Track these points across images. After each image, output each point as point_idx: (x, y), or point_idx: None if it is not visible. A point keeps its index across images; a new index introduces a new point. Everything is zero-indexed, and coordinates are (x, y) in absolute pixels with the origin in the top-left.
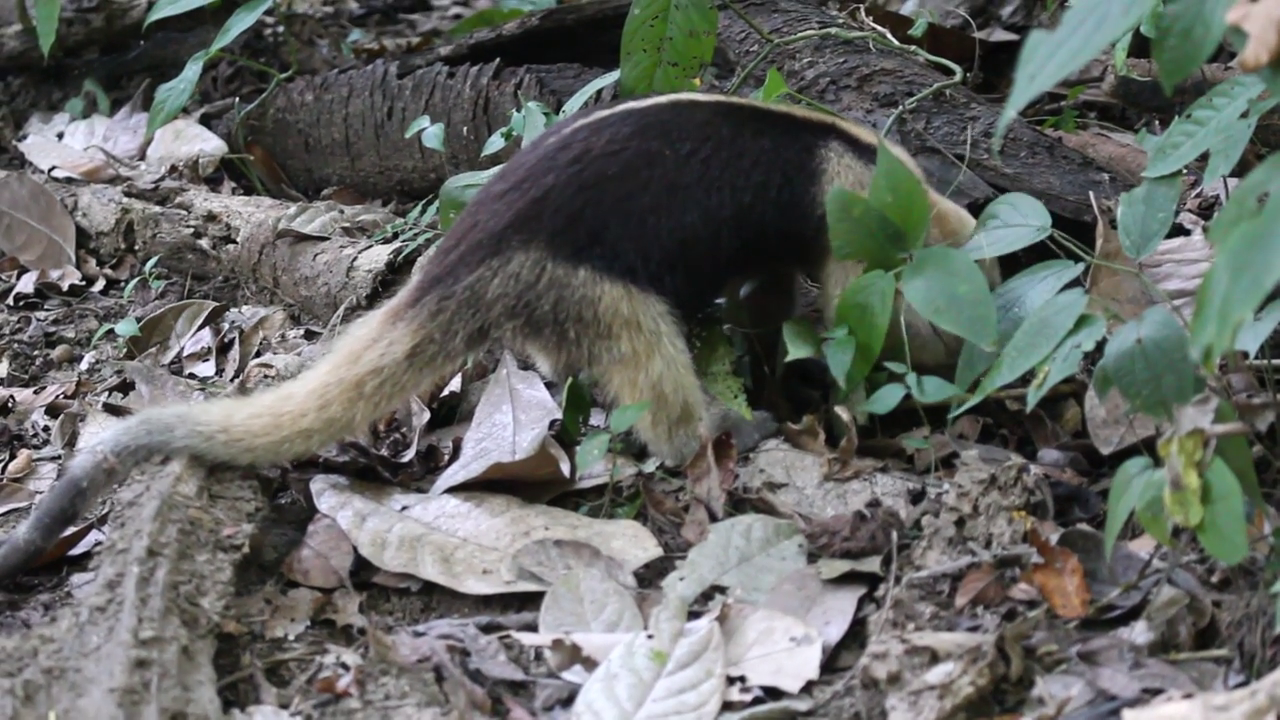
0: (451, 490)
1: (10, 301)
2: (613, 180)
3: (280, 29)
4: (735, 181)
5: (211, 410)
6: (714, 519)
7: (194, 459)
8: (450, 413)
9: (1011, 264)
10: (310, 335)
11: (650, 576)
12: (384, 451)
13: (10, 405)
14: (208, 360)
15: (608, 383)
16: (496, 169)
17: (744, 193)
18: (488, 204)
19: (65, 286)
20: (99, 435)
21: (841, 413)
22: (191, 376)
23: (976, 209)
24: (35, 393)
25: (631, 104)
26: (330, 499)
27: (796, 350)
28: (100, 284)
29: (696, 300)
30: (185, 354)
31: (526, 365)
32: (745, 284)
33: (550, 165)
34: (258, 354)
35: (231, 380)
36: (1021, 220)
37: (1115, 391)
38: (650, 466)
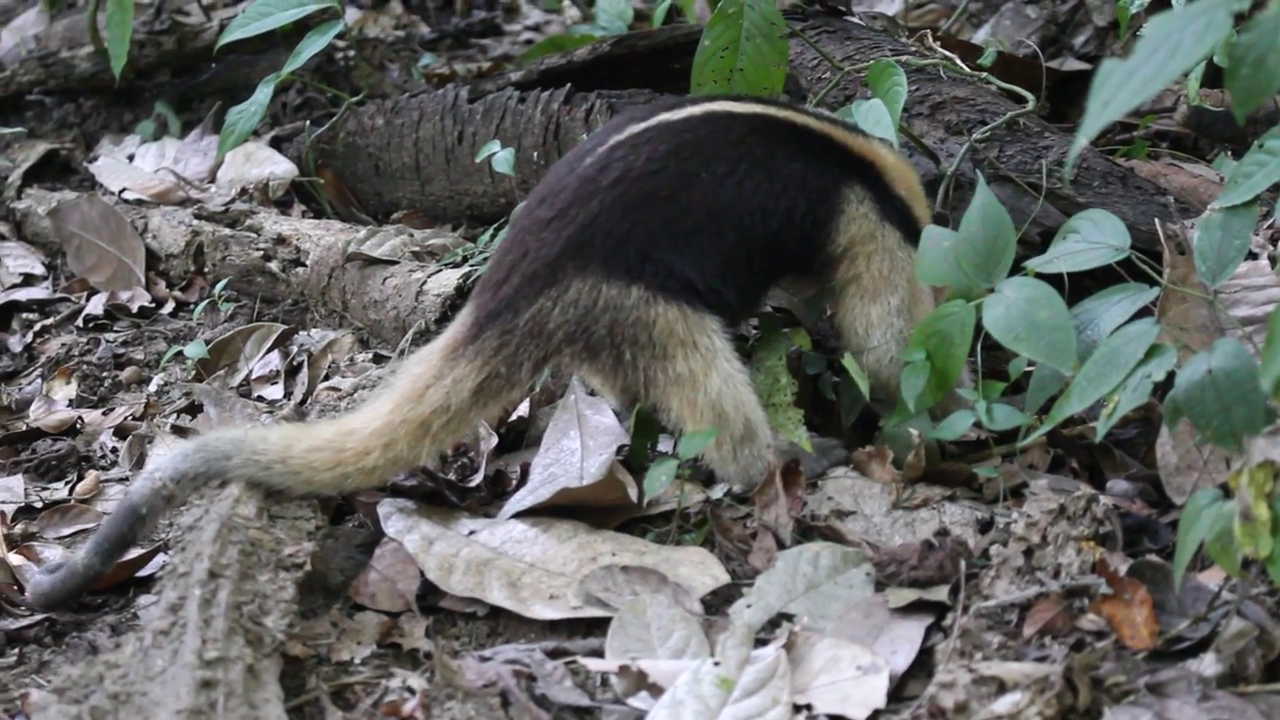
0: (519, 515)
1: (80, 323)
2: (656, 202)
3: (351, 53)
4: (766, 205)
5: (270, 439)
6: (782, 546)
7: (252, 484)
8: (518, 438)
9: (1076, 287)
10: (379, 359)
11: (717, 603)
12: (451, 476)
13: (79, 426)
14: (276, 383)
15: (666, 406)
16: (534, 191)
17: (773, 218)
18: (535, 232)
19: (134, 308)
20: (157, 461)
21: (912, 432)
22: (260, 399)
23: (1050, 237)
24: (104, 414)
25: (665, 116)
26: (397, 523)
27: (863, 385)
28: (169, 306)
29: (746, 310)
30: (254, 377)
31: (594, 391)
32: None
33: (593, 189)
34: (326, 377)
35: (300, 404)
36: (1101, 239)
37: (1187, 433)
38: (718, 493)
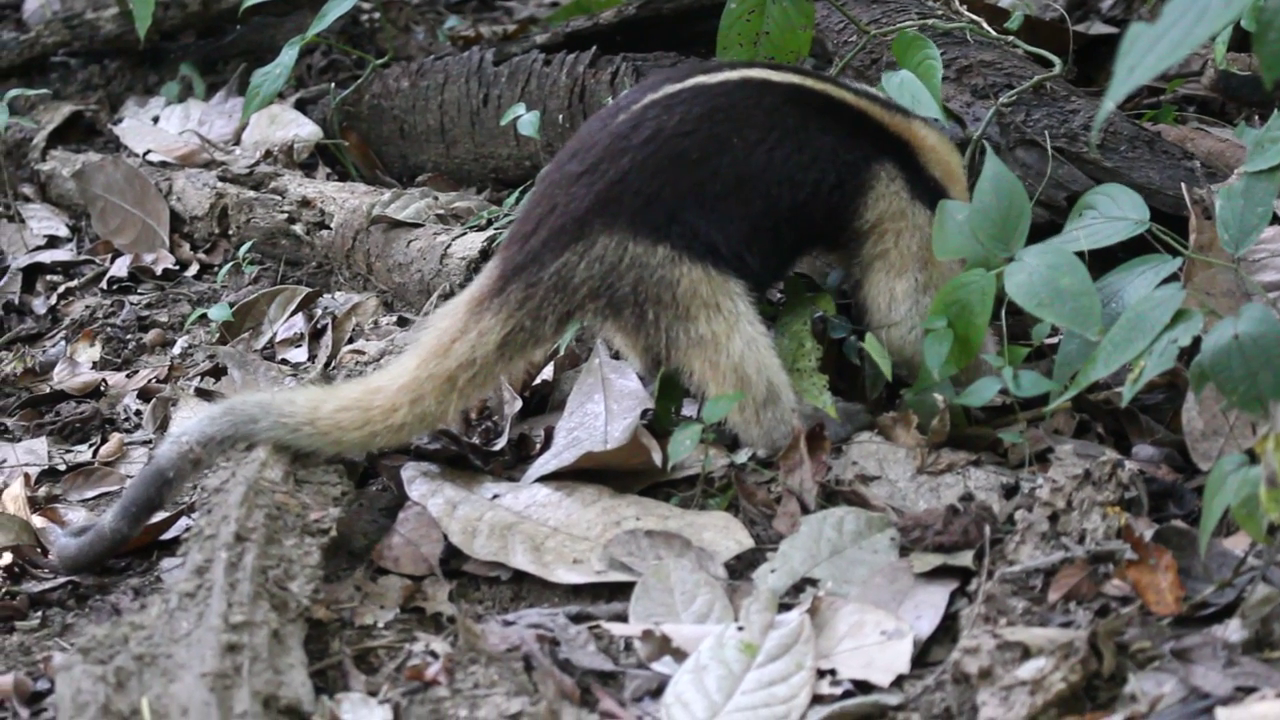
0: (543, 479)
1: (104, 285)
2: (687, 164)
3: (377, 15)
4: (795, 176)
5: (297, 400)
6: (806, 511)
7: (279, 447)
8: (542, 401)
9: (1106, 256)
10: (403, 322)
11: (741, 568)
12: (475, 440)
13: (103, 389)
14: (300, 346)
15: (688, 368)
16: (566, 146)
17: (801, 189)
18: (564, 186)
19: (159, 271)
20: (184, 425)
21: (938, 398)
22: (284, 362)
23: (1076, 201)
24: (128, 377)
25: (701, 79)
26: (421, 486)
27: (885, 365)
28: (194, 269)
29: (772, 277)
30: (278, 340)
31: (618, 354)
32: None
33: (625, 146)
34: (350, 340)
35: (324, 367)
36: (1119, 213)
37: (1213, 399)
38: (742, 458)
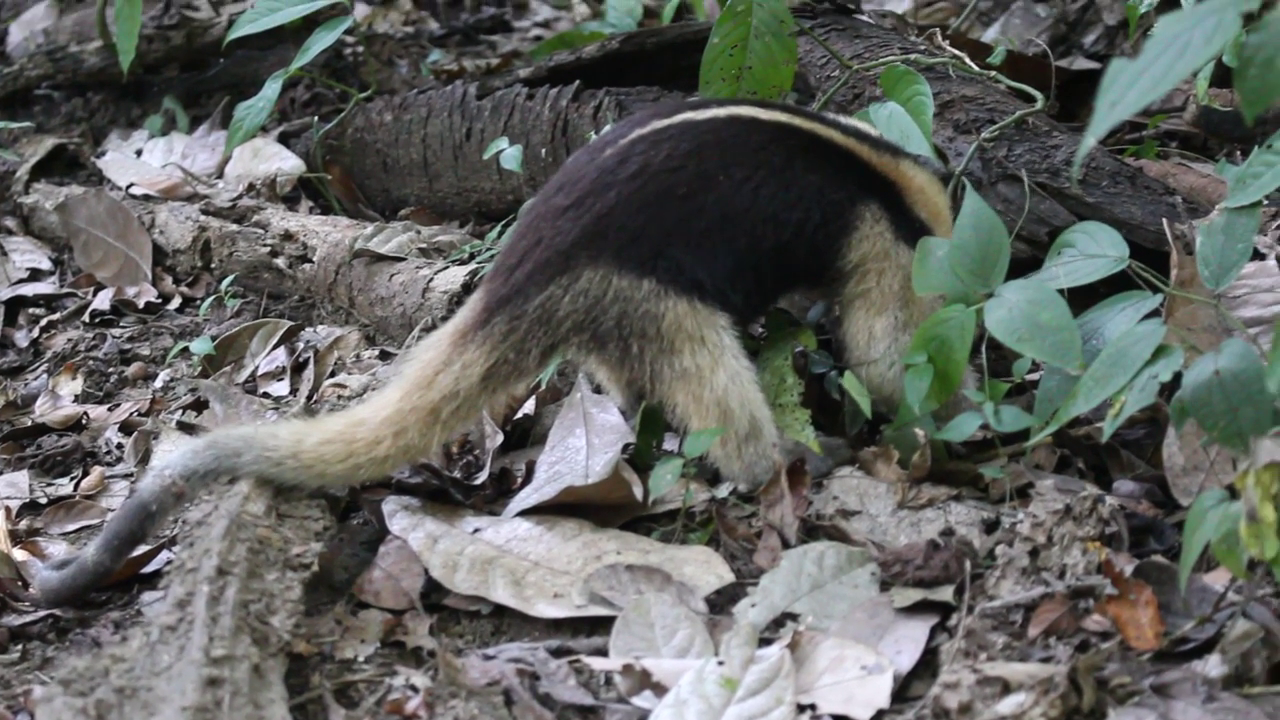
0: (524, 513)
1: (86, 318)
2: (673, 200)
3: (360, 49)
4: (779, 215)
5: (280, 434)
6: (786, 545)
7: (262, 481)
8: (523, 435)
9: (1088, 293)
10: (385, 356)
11: (722, 603)
12: (457, 473)
13: (84, 422)
14: (282, 379)
15: (671, 401)
16: (552, 180)
17: (785, 229)
18: (550, 220)
19: (141, 304)
20: (166, 458)
21: (919, 432)
22: (266, 395)
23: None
24: (110, 410)
25: (689, 115)
26: (402, 520)
27: (864, 403)
28: (176, 302)
29: (755, 313)
30: (260, 373)
31: (600, 389)
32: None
33: (612, 180)
34: (332, 374)
35: (306, 401)
36: (1098, 250)
37: (1193, 434)
38: (723, 492)
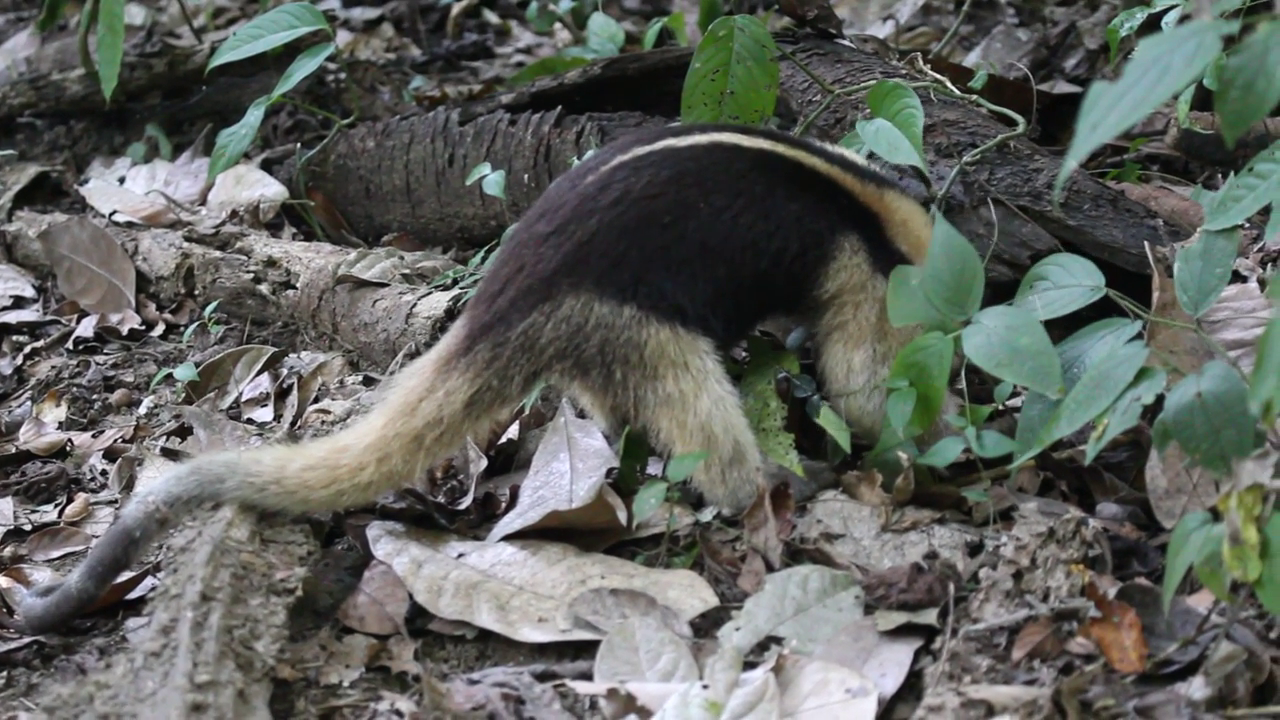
0: (508, 538)
1: (70, 345)
2: (654, 227)
3: (342, 75)
4: (758, 244)
5: (263, 460)
6: (771, 569)
7: (245, 506)
8: (507, 460)
9: (1071, 322)
10: (369, 381)
11: (706, 626)
12: (441, 498)
13: (68, 449)
14: (266, 405)
15: (655, 427)
16: (534, 206)
17: (763, 257)
18: (532, 246)
19: (125, 331)
20: (150, 484)
21: (902, 456)
22: (250, 422)
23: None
24: (94, 437)
25: (671, 141)
26: (386, 545)
27: (843, 438)
28: (159, 328)
29: (735, 339)
30: (243, 399)
31: (584, 414)
32: (794, 333)
33: (593, 207)
34: (316, 400)
35: (290, 427)
36: (1073, 281)
37: (1176, 456)
38: (707, 516)
